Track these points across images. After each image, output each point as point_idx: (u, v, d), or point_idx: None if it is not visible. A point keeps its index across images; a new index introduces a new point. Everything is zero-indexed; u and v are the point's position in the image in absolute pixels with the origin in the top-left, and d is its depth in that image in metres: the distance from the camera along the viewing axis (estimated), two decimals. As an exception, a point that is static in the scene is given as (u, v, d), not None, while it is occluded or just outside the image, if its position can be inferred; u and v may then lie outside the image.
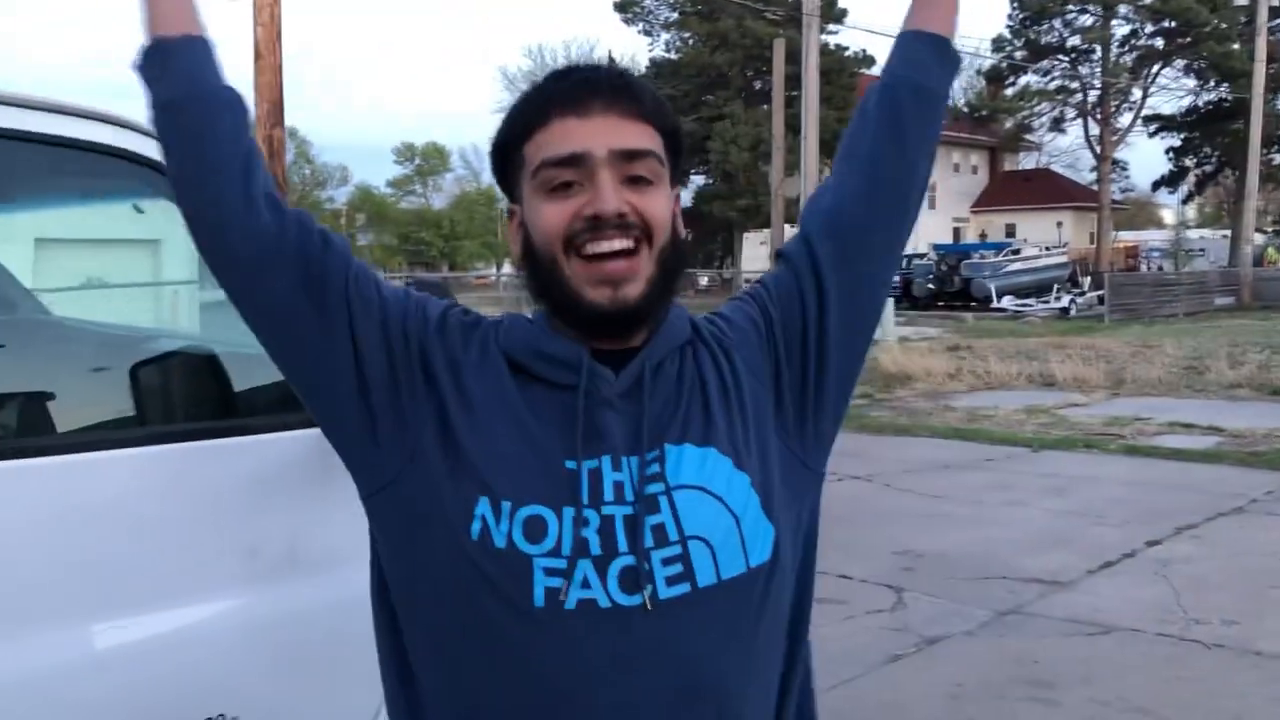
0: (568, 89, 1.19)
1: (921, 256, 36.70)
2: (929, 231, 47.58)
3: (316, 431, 2.26)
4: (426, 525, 1.16)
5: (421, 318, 1.23)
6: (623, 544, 1.12)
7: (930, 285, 34.09)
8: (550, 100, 1.19)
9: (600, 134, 1.16)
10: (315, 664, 2.30)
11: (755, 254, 33.18)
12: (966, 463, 9.41)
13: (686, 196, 50.32)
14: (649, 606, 1.11)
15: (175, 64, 1.20)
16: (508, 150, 1.23)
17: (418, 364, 1.21)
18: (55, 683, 1.94)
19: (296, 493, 2.29)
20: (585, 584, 1.11)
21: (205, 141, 1.18)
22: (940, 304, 33.09)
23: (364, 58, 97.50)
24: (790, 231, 25.09)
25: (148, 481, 2.09)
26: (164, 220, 2.65)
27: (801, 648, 1.30)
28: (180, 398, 2.33)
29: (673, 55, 47.39)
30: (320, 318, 1.19)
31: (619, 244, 1.16)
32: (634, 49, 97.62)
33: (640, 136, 1.19)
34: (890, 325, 21.06)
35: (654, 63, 47.65)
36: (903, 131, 1.32)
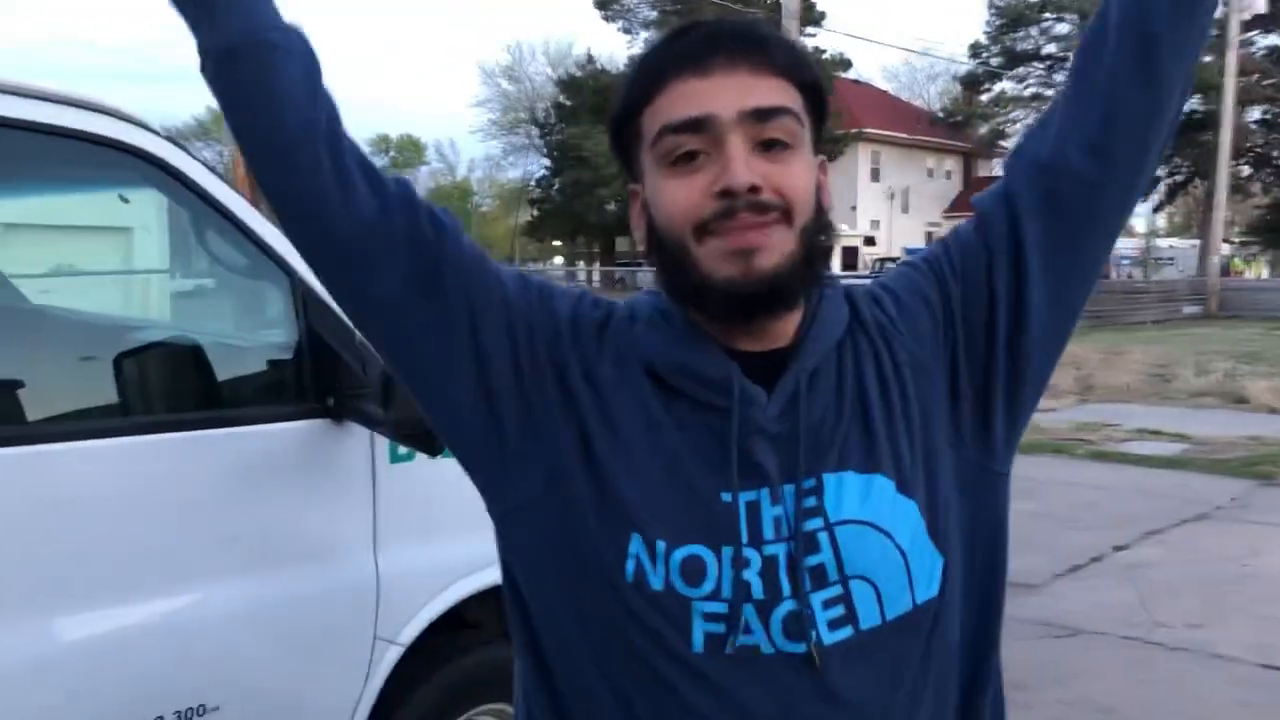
0: (686, 46, 1.03)
1: (894, 260, 36.90)
2: (901, 236, 47.85)
3: (299, 424, 2.30)
4: (573, 558, 1.04)
5: (550, 318, 1.08)
6: (785, 588, 1.00)
7: (903, 289, 34.25)
8: (667, 60, 1.04)
9: (726, 92, 1.00)
10: (296, 654, 2.31)
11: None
12: (937, 465, 9.47)
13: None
14: (814, 655, 1.00)
15: (236, 2, 1.00)
16: (624, 123, 1.08)
17: (550, 375, 1.07)
18: (36, 671, 1.94)
19: (278, 485, 2.30)
20: (747, 629, 1.00)
21: (277, 101, 1.00)
22: (912, 308, 33.26)
23: (340, 50, 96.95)
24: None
25: (130, 472, 2.09)
26: (141, 209, 2.65)
27: (986, 670, 1.14)
28: (164, 388, 2.33)
29: (651, 54, 47.36)
30: (436, 317, 1.05)
31: (751, 218, 1.00)
32: (613, 47, 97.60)
33: (773, 92, 1.01)
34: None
35: (633, 60, 47.65)
36: (1156, 55, 1.04)
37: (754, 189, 0.99)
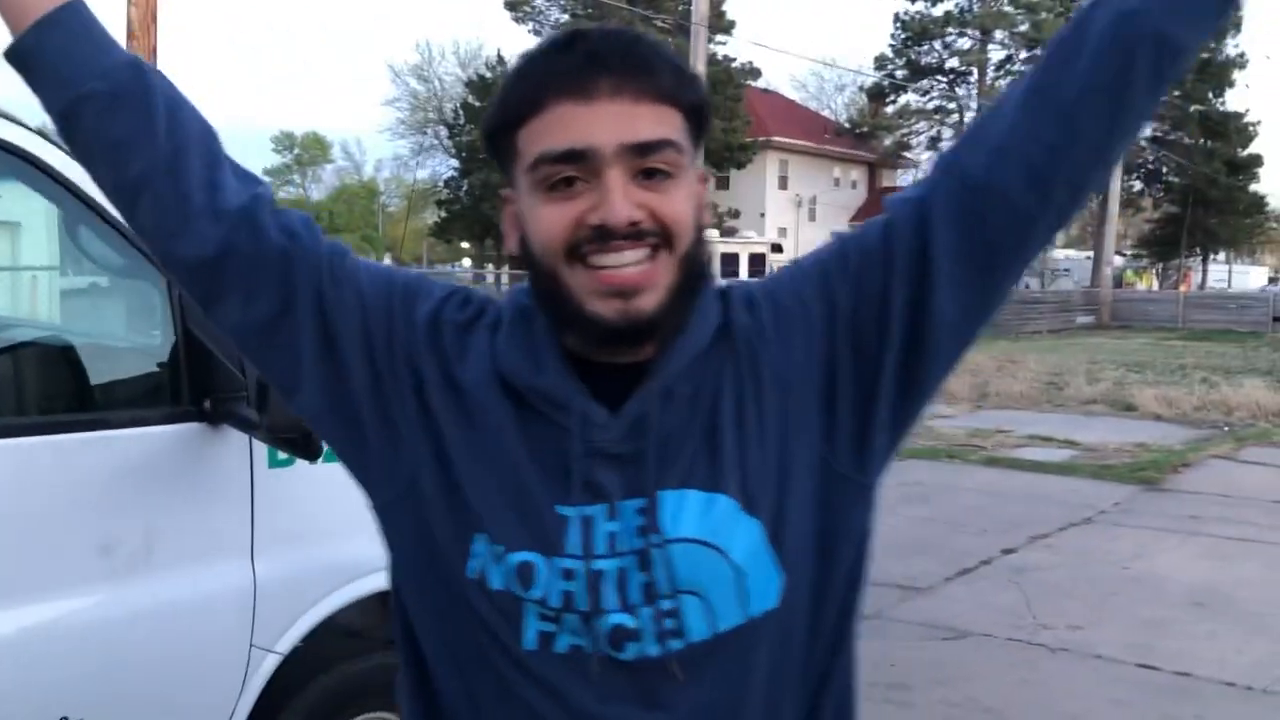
0: (567, 66, 0.98)
1: (801, 267, 37.41)
2: (808, 243, 48.52)
3: (174, 428, 2.25)
4: (428, 555, 1.06)
5: (409, 322, 1.07)
6: (610, 601, 1.01)
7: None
8: (547, 79, 0.99)
9: (608, 123, 0.97)
10: (168, 663, 2.26)
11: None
12: (836, 470, 9.62)
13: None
14: (635, 665, 1.02)
15: (56, 60, 1.01)
16: (500, 135, 1.04)
17: (407, 381, 1.06)
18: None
19: (152, 489, 2.24)
20: (575, 632, 1.02)
21: (115, 149, 1.02)
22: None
23: (245, 41, 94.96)
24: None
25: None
26: (22, 203, 2.58)
27: (836, 667, 1.13)
28: (35, 389, 2.26)
29: (563, 57, 47.35)
30: (290, 326, 1.05)
31: (631, 256, 0.98)
32: (523, 48, 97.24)
33: (657, 123, 0.98)
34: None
35: (544, 63, 47.54)
36: (1129, 87, 0.98)
37: (633, 223, 0.97)
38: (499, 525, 1.03)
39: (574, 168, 0.98)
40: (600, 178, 0.97)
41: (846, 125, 51.72)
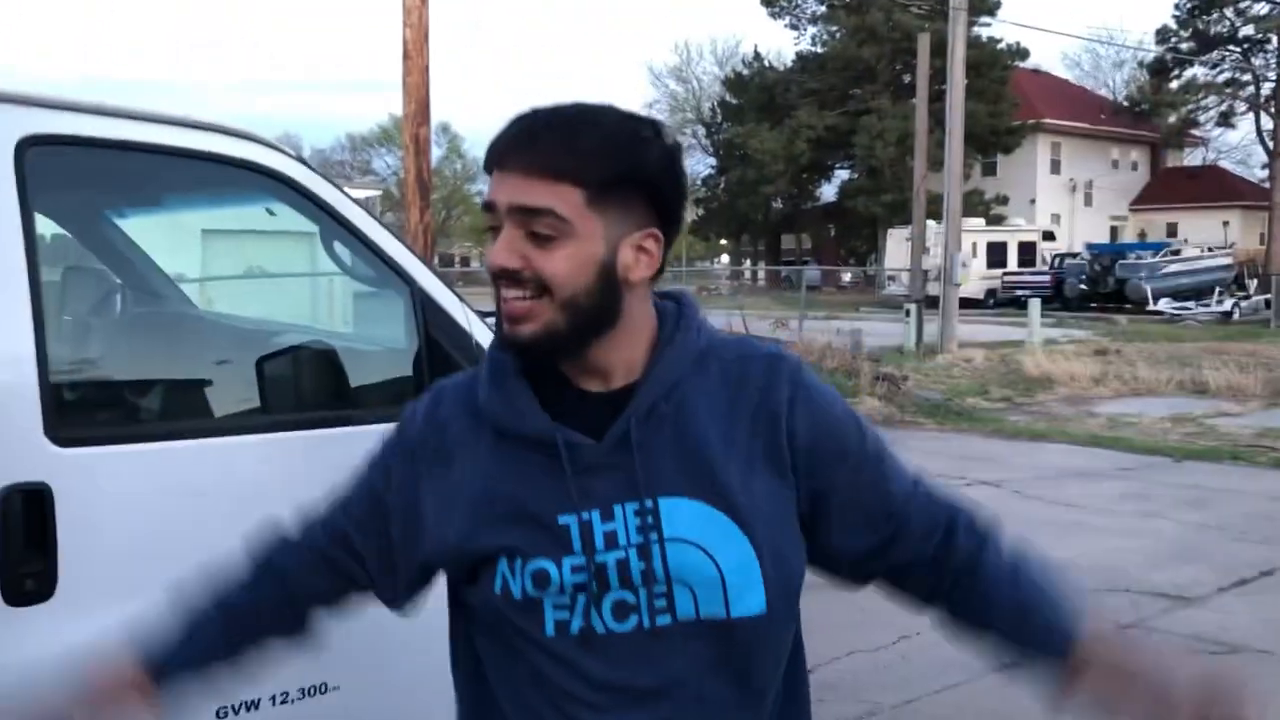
0: (496, 144, 1.25)
1: (1074, 255, 35.54)
2: (1084, 230, 45.97)
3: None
4: (462, 581, 1.34)
5: (388, 479, 1.39)
6: (614, 581, 1.25)
7: (1083, 286, 32.97)
8: (490, 150, 1.26)
9: (506, 189, 1.22)
10: (414, 638, 2.45)
11: (899, 250, 32.64)
12: (1103, 471, 9.14)
13: (830, 192, 49.86)
14: (633, 634, 1.26)
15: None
16: None
17: (410, 503, 1.36)
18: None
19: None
20: (585, 615, 1.26)
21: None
22: (1093, 305, 31.98)
23: (514, 52, 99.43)
24: (933, 228, 24.58)
25: (270, 465, 2.28)
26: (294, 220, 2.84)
27: (797, 650, 1.39)
28: (302, 389, 2.51)
29: (819, 49, 46.95)
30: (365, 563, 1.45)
31: (512, 293, 1.23)
32: (780, 43, 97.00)
33: (541, 193, 1.20)
34: (1036, 326, 20.47)
35: (800, 57, 47.30)
36: (930, 597, 1.40)
37: (507, 271, 1.22)
38: (513, 545, 1.27)
39: (491, 218, 1.25)
40: (499, 231, 1.24)
41: (1125, 103, 48.58)
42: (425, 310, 2.45)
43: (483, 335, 2.56)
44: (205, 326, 3.02)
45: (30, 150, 2.03)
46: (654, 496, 1.25)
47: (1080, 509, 7.71)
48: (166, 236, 3.54)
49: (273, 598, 1.47)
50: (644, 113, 1.34)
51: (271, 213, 2.95)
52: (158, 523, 2.11)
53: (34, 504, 1.95)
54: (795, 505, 1.30)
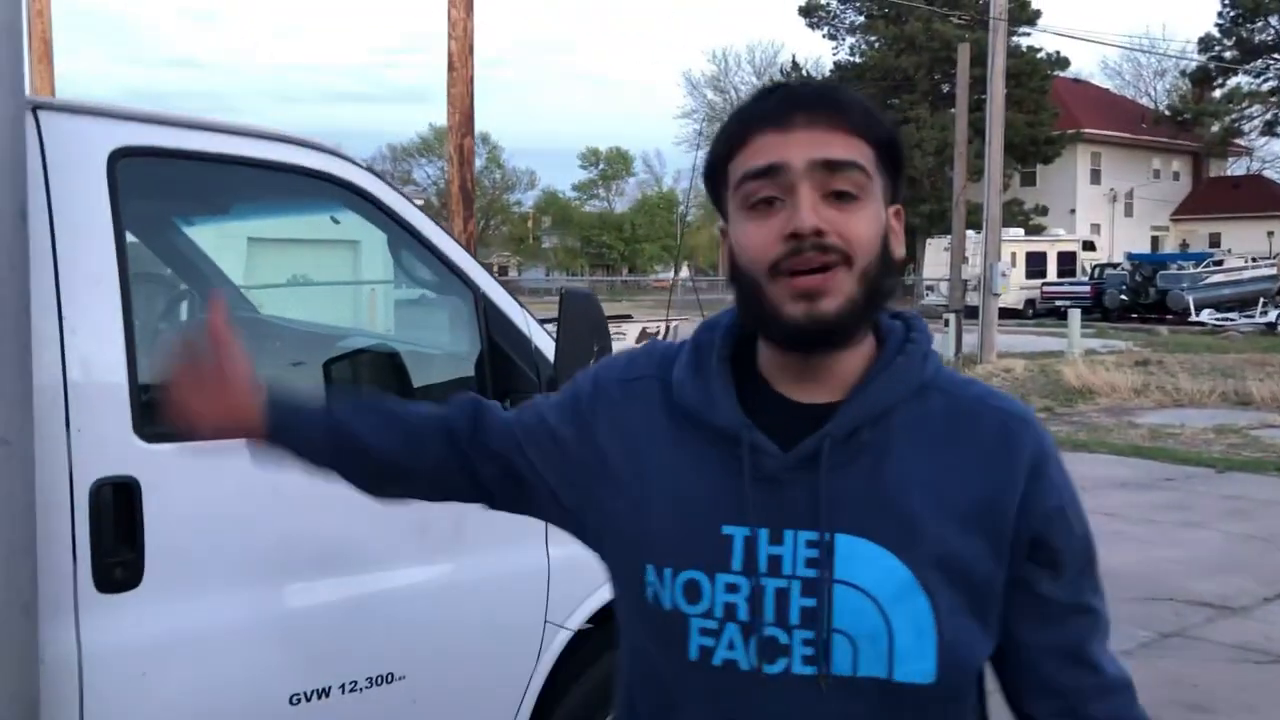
0: (769, 107, 1.15)
1: (1115, 266, 35.19)
2: (1124, 240, 45.52)
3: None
4: (616, 581, 1.26)
5: (578, 419, 1.28)
6: (769, 615, 1.12)
7: (1123, 296, 32.64)
8: (752, 117, 1.16)
9: (800, 146, 1.12)
10: (476, 632, 2.55)
11: (938, 259, 32.51)
12: (1144, 481, 9.11)
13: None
14: (779, 679, 1.13)
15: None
16: (714, 171, 1.21)
17: (593, 456, 1.26)
18: (262, 632, 2.25)
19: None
20: (730, 645, 1.14)
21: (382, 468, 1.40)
22: (1134, 316, 31.67)
23: (552, 65, 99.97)
24: (972, 238, 24.47)
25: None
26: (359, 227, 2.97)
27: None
28: (365, 390, 2.61)
29: (857, 59, 46.84)
30: (508, 475, 1.34)
31: (817, 261, 1.10)
32: (818, 53, 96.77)
33: (844, 147, 1.12)
34: (1076, 336, 20.34)
35: (838, 66, 47.20)
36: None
37: (818, 232, 1.09)
38: (667, 549, 1.17)
39: (771, 184, 1.12)
40: (794, 194, 1.11)
41: (1166, 113, 48.13)
42: (488, 315, 2.54)
43: (542, 340, 2.65)
44: (272, 331, 3.13)
45: (120, 161, 2.15)
46: (833, 530, 1.11)
47: (1122, 519, 7.69)
48: (216, 243, 3.66)
49: (385, 439, 1.38)
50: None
51: (336, 220, 3.06)
52: (235, 515, 2.22)
53: (123, 497, 2.06)
54: (999, 583, 1.14)
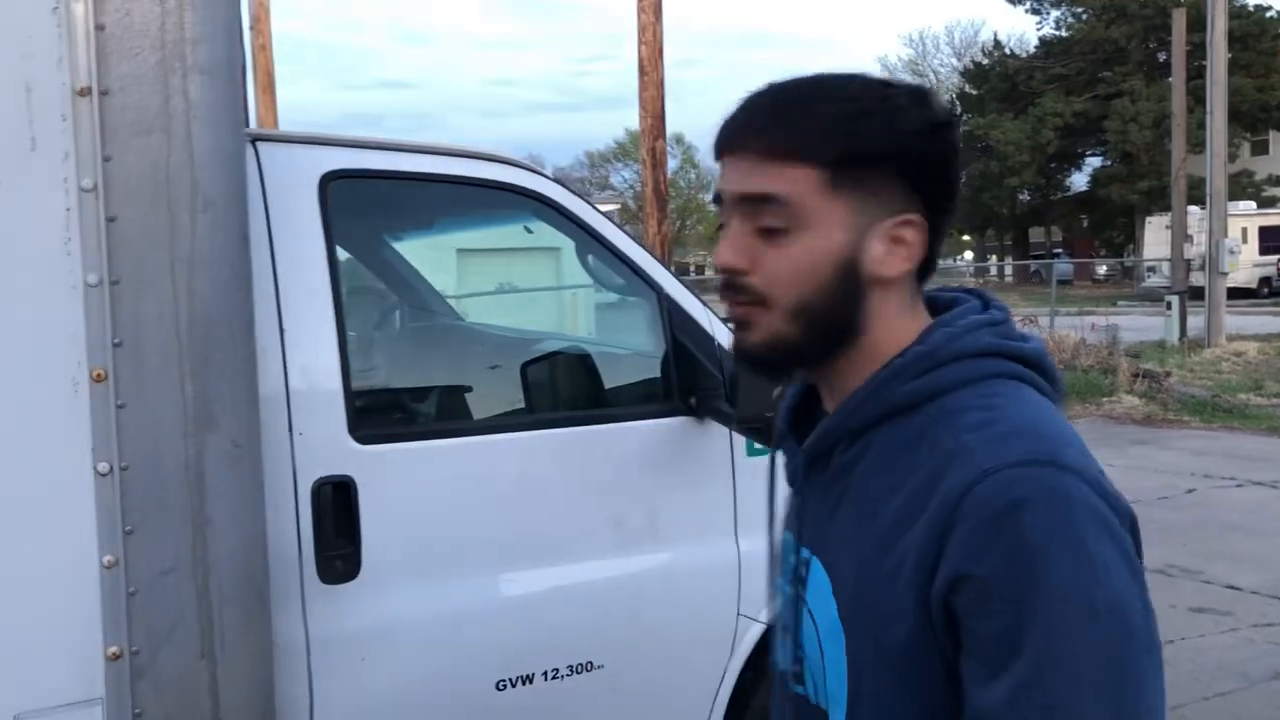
0: (719, 128, 1.07)
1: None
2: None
3: (670, 421, 2.61)
4: None
5: None
6: (790, 623, 1.11)
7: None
8: (715, 136, 1.08)
9: (730, 177, 1.04)
10: (671, 624, 2.62)
11: (1158, 239, 30.65)
12: (1398, 470, 8.38)
13: (1081, 180, 47.54)
14: (799, 699, 1.11)
15: None
16: None
17: None
18: (471, 621, 2.40)
19: (653, 473, 2.62)
20: (779, 651, 1.15)
21: None
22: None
23: (743, 60, 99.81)
24: (1196, 214, 23.00)
25: (534, 459, 2.50)
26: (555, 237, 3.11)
27: None
28: (561, 391, 2.73)
29: (1064, 32, 44.83)
30: None
31: (733, 296, 1.05)
32: (1021, 29, 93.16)
33: (765, 179, 1.01)
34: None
35: (1043, 41, 45.35)
36: None
37: (730, 270, 1.03)
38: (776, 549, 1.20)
39: (721, 213, 1.07)
40: (728, 227, 1.06)
41: None
42: (672, 315, 2.61)
43: (726, 339, 2.70)
44: (473, 336, 3.30)
45: (331, 184, 2.33)
46: (810, 550, 1.08)
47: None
48: (422, 256, 3.86)
49: None
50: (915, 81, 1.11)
51: (530, 230, 3.20)
52: (444, 509, 2.37)
53: (341, 494, 2.23)
54: (930, 653, 0.95)
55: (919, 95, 1.03)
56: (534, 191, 2.58)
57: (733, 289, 1.04)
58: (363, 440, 2.26)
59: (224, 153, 1.93)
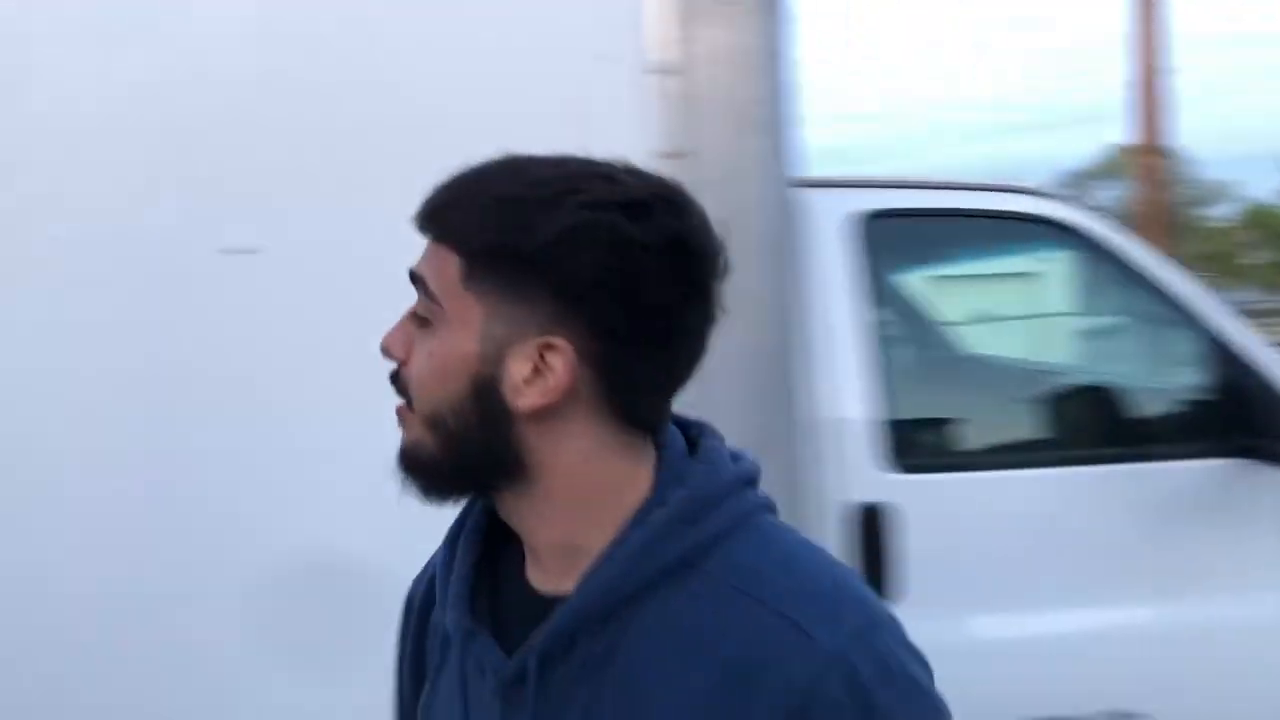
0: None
1: None
2: None
3: (1210, 463, 2.45)
4: None
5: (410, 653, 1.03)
6: None
7: None
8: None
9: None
10: (1214, 678, 2.45)
11: None
12: None
13: None
14: None
15: None
16: None
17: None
18: (998, 653, 2.40)
19: (1194, 517, 2.48)
20: None
21: None
22: None
23: (1243, 63, 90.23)
24: None
25: (1065, 495, 2.48)
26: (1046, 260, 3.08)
27: None
28: (1086, 426, 2.67)
29: None
30: None
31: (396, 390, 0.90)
32: None
33: (424, 259, 0.87)
34: None
35: None
36: None
37: (385, 354, 0.89)
38: None
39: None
40: None
41: None
42: (1219, 349, 2.47)
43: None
44: (993, 369, 3.31)
45: (858, 223, 2.47)
46: None
47: None
48: (938, 289, 3.90)
49: None
50: (662, 173, 0.89)
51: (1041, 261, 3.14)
52: (975, 541, 2.41)
53: (872, 520, 2.33)
54: None
55: (633, 200, 0.82)
56: (1058, 220, 2.56)
57: (392, 378, 0.89)
58: (904, 469, 2.36)
59: (775, 200, 2.11)
